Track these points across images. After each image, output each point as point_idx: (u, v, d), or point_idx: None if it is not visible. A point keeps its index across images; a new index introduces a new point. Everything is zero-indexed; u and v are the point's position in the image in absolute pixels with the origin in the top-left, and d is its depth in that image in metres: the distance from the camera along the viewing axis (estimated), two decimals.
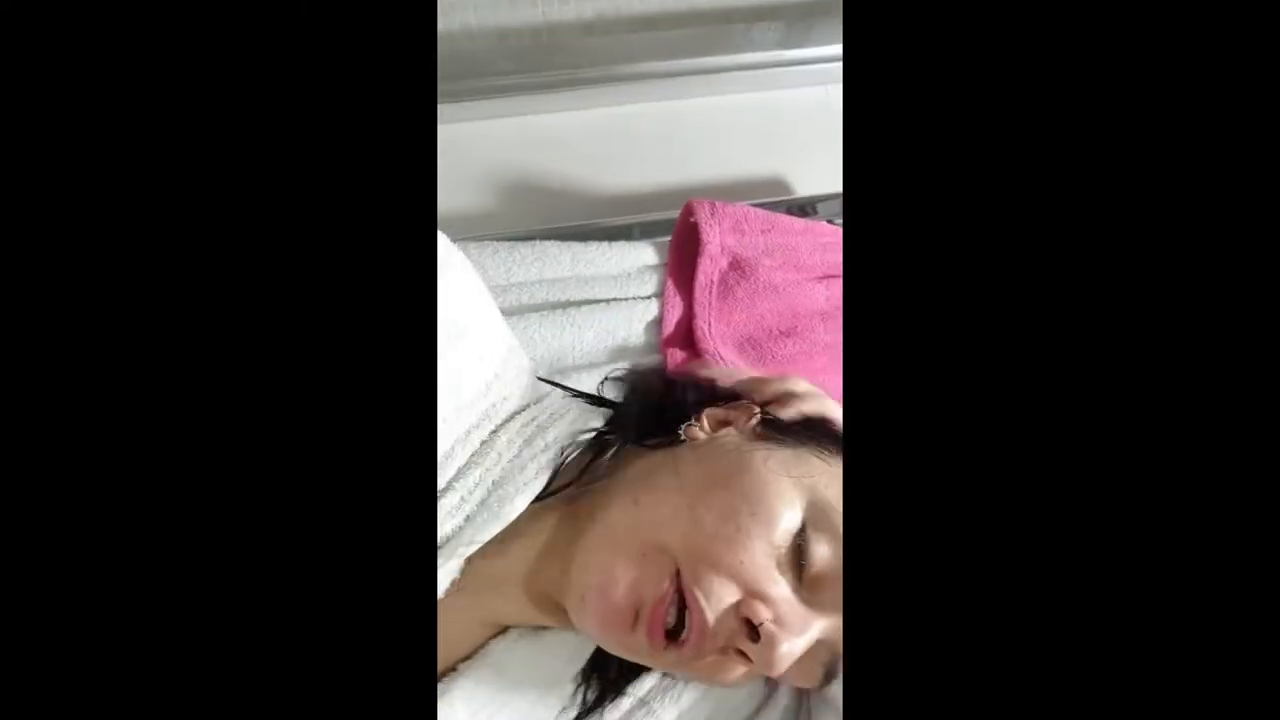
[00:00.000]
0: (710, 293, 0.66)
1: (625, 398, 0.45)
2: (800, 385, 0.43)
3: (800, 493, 0.35)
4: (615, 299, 0.67)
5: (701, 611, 0.33)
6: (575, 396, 0.43)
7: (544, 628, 0.40)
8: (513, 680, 0.39)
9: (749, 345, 0.67)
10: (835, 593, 0.34)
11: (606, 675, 0.41)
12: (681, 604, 0.33)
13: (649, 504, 0.36)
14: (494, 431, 0.38)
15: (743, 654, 0.33)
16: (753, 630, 0.32)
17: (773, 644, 0.32)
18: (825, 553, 0.34)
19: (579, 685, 0.40)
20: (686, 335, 0.67)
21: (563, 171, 0.74)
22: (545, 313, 0.64)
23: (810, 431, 0.40)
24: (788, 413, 0.41)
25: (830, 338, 0.67)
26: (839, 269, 0.69)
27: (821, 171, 0.76)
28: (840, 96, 0.77)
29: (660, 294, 0.67)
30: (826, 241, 0.69)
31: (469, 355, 0.37)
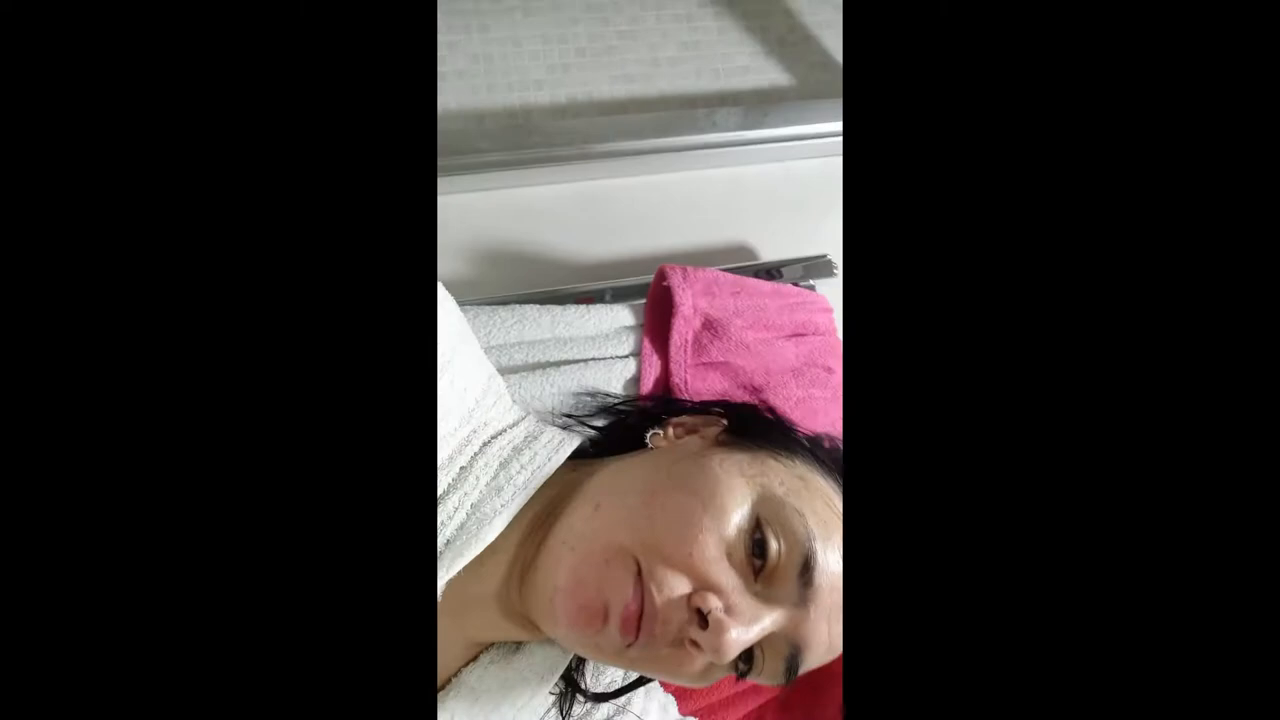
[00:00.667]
0: (685, 351, 0.69)
1: (597, 415, 0.48)
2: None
3: (753, 490, 0.37)
4: (594, 359, 0.68)
5: (653, 599, 0.34)
6: (549, 418, 0.46)
7: (517, 648, 0.41)
8: (487, 708, 0.39)
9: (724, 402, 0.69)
10: (789, 587, 0.35)
11: (580, 689, 0.42)
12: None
13: (608, 507, 0.37)
14: (474, 457, 0.39)
15: (697, 645, 0.33)
16: (703, 619, 0.33)
17: (720, 629, 0.33)
18: (775, 547, 0.35)
19: (553, 704, 0.41)
20: (665, 392, 0.68)
21: (540, 241, 0.78)
22: (525, 373, 0.66)
23: (771, 438, 0.41)
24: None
25: (801, 392, 0.70)
26: (807, 327, 0.72)
27: (782, 238, 0.81)
28: (796, 172, 0.83)
29: (637, 353, 0.69)
30: (793, 302, 0.73)
31: (451, 385, 0.39)
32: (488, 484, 0.38)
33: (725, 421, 0.43)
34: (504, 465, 0.39)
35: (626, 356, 0.69)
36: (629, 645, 0.35)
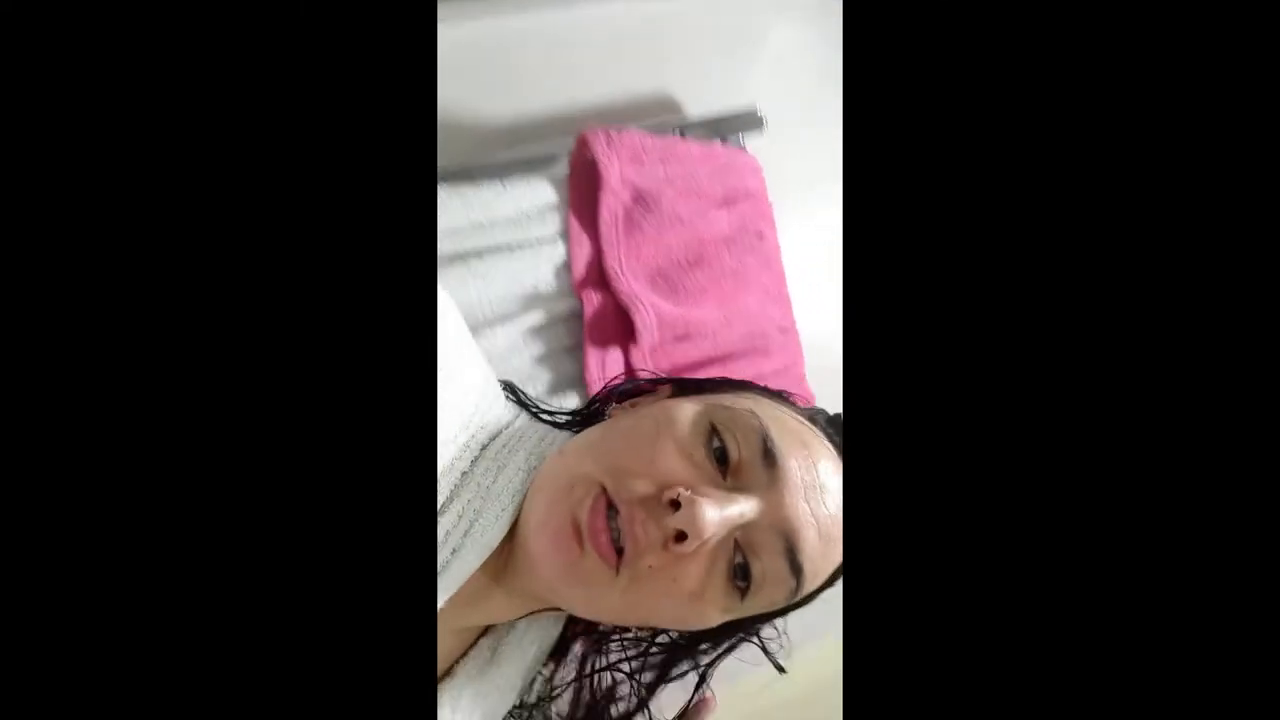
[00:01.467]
0: (616, 228, 0.64)
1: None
2: None
3: (704, 407, 0.38)
4: (518, 244, 0.63)
5: (630, 511, 0.34)
6: (538, 418, 0.45)
7: (489, 665, 0.42)
8: (488, 688, 0.41)
9: (660, 279, 0.67)
10: (754, 473, 0.36)
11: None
12: (615, 518, 0.35)
13: (572, 450, 0.38)
14: (473, 462, 0.39)
15: (679, 535, 0.34)
16: (676, 505, 0.34)
17: (693, 504, 0.33)
18: (733, 441, 0.36)
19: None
20: (599, 275, 0.65)
21: (439, 100, 0.67)
22: (445, 267, 0.60)
23: (719, 386, 0.42)
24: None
25: (735, 262, 0.69)
26: (738, 191, 0.69)
27: (707, 86, 0.74)
28: (722, 9, 0.74)
29: (565, 234, 0.64)
30: (723, 164, 0.68)
31: (451, 394, 0.38)
32: (487, 489, 0.38)
33: (672, 385, 0.43)
34: (501, 470, 0.39)
35: (553, 239, 0.64)
36: (616, 569, 0.35)
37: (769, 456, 0.36)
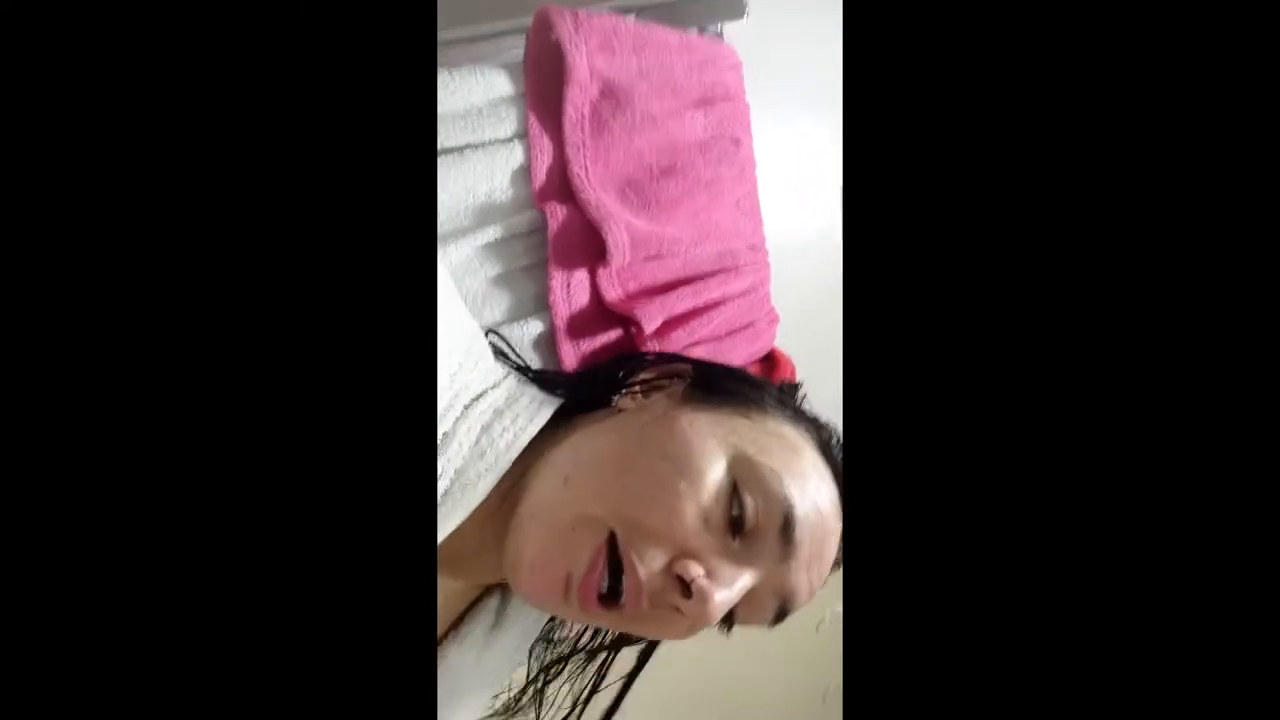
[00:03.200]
0: (583, 129, 0.56)
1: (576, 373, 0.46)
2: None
3: (726, 451, 0.36)
4: (469, 145, 0.54)
5: (636, 574, 0.34)
6: (531, 379, 0.43)
7: (494, 628, 0.42)
8: (494, 651, 0.42)
9: (630, 189, 0.60)
10: (768, 544, 0.35)
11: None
12: (617, 568, 0.34)
13: (578, 479, 0.37)
14: (455, 422, 0.37)
15: (680, 612, 0.34)
16: (685, 587, 0.34)
17: (704, 598, 0.33)
18: (753, 507, 0.35)
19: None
20: (562, 184, 0.57)
21: None
22: None
23: (735, 391, 0.40)
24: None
25: (710, 172, 0.62)
26: (716, 90, 0.62)
27: None
28: None
29: (523, 134, 0.55)
30: (701, 59, 0.60)
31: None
32: (470, 449, 0.36)
33: (689, 374, 0.41)
34: (486, 429, 0.37)
35: (509, 140, 0.55)
36: (600, 614, 0.35)
37: (787, 533, 0.35)
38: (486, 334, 0.46)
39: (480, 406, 0.38)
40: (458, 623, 0.42)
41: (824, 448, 0.40)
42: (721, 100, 0.62)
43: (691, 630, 0.36)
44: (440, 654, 0.40)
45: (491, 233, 0.55)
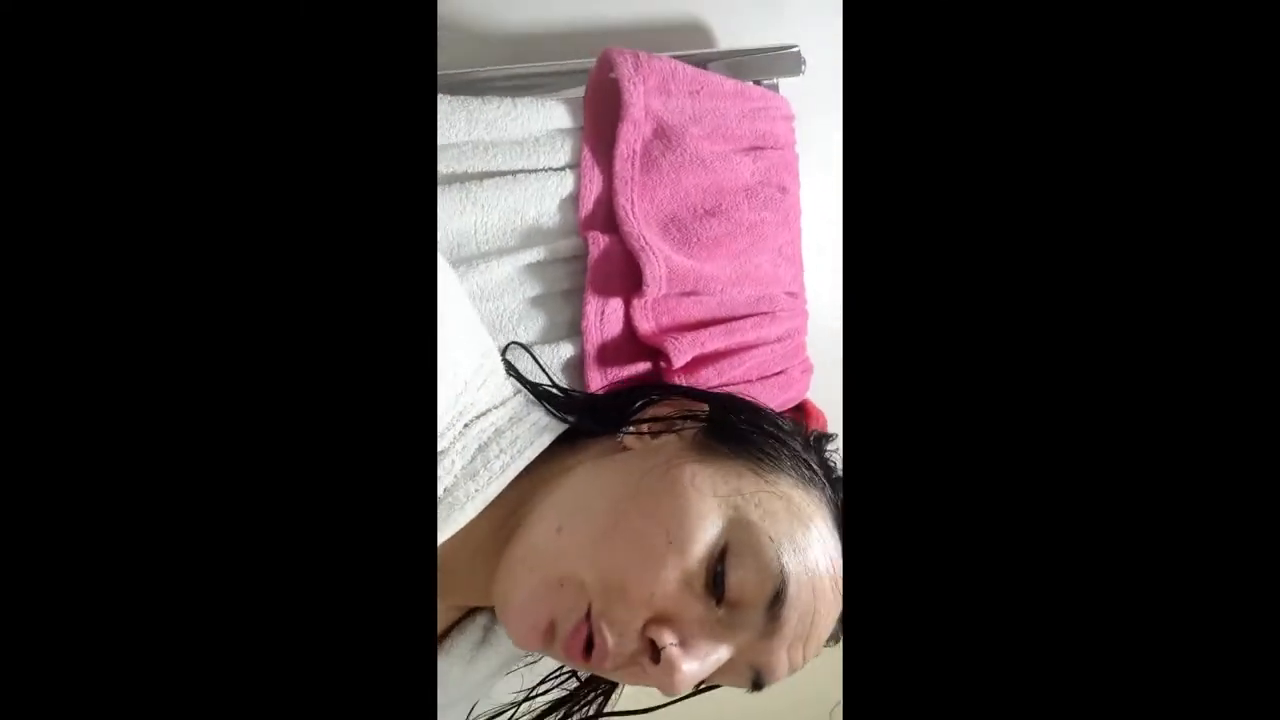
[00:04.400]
0: (633, 165, 0.59)
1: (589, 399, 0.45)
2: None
3: (725, 513, 0.35)
4: (523, 170, 0.57)
5: (604, 639, 0.33)
6: (539, 398, 0.42)
7: (481, 643, 0.42)
8: (481, 668, 0.42)
9: (673, 226, 0.61)
10: (755, 616, 0.34)
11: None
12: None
13: (570, 530, 0.35)
14: (453, 441, 0.37)
15: (647, 673, 0.34)
16: (656, 651, 0.33)
17: (671, 669, 0.32)
18: (743, 577, 0.34)
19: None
20: (607, 215, 0.59)
21: (446, 3, 0.59)
22: (442, 188, 0.53)
23: (752, 440, 0.38)
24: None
25: (754, 216, 0.64)
26: (767, 139, 0.63)
27: (742, 18, 0.67)
28: None
29: (575, 165, 0.58)
30: (756, 107, 0.62)
31: (440, 366, 0.36)
32: (463, 468, 0.36)
33: (704, 417, 0.40)
34: (482, 449, 0.37)
35: (562, 169, 0.58)
36: (581, 663, 0.35)
37: (776, 608, 0.34)
38: (508, 346, 0.45)
39: (481, 425, 0.37)
40: (444, 636, 0.42)
41: (831, 491, 0.38)
42: (771, 149, 0.64)
43: (659, 683, 0.35)
44: None
45: (534, 254, 0.58)
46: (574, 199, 0.58)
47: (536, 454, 0.37)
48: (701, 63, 0.63)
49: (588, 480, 0.37)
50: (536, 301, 0.59)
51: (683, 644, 0.33)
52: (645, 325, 0.61)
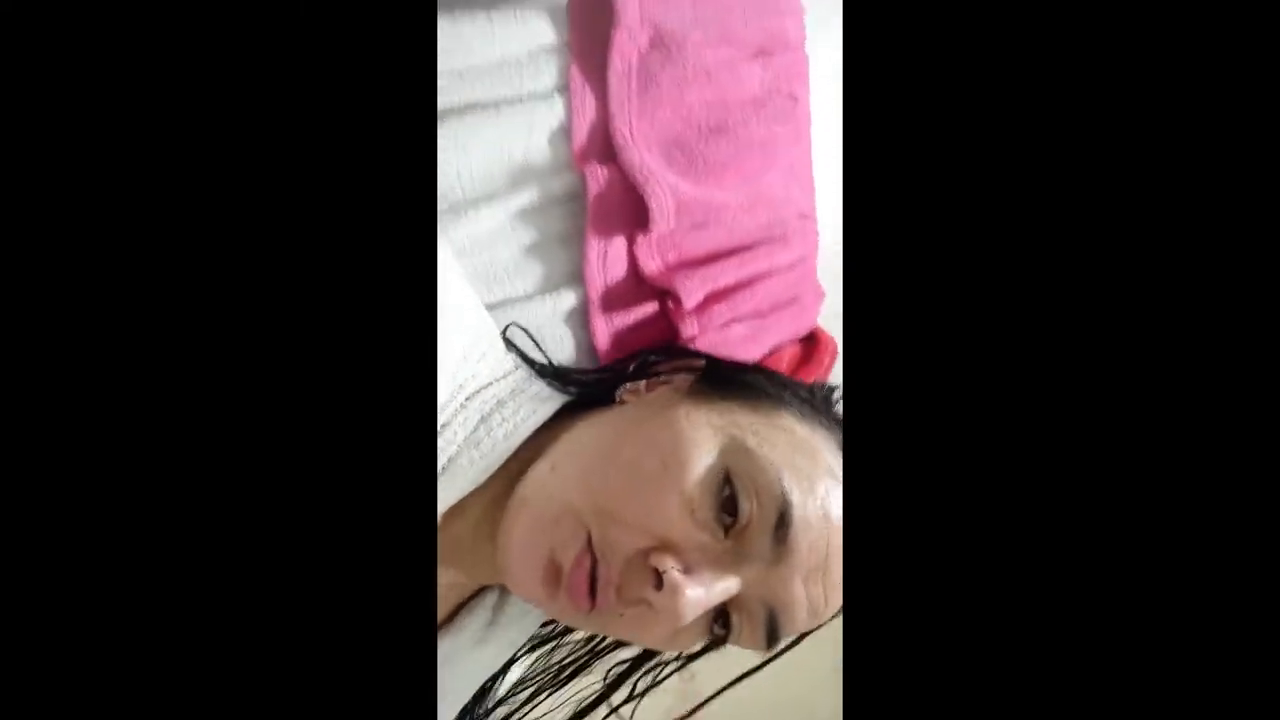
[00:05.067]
0: (629, 82, 0.51)
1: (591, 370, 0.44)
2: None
3: (720, 441, 0.34)
4: (505, 100, 0.49)
5: (606, 566, 0.32)
6: (541, 373, 0.42)
7: (491, 623, 0.41)
8: (491, 650, 0.41)
9: (677, 150, 0.55)
10: (762, 544, 0.33)
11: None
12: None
13: (563, 466, 0.35)
14: (454, 414, 0.36)
15: (650, 604, 0.32)
16: (659, 579, 0.32)
17: (675, 590, 0.31)
18: (746, 502, 0.33)
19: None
20: (604, 143, 0.52)
21: None
22: None
23: (748, 384, 0.38)
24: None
25: (764, 131, 0.57)
26: (776, 40, 0.56)
27: None
28: None
29: (564, 87, 0.50)
30: (762, 3, 0.54)
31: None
32: (466, 438, 0.36)
33: (700, 368, 0.40)
34: (484, 420, 0.37)
35: (549, 94, 0.50)
36: (587, 611, 0.33)
37: (781, 531, 0.32)
38: (508, 327, 0.44)
39: (483, 397, 0.37)
40: (453, 615, 0.41)
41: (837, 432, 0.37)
42: (781, 51, 0.57)
43: (676, 637, 0.34)
44: None
45: (526, 197, 0.51)
46: (564, 128, 0.51)
47: (540, 422, 0.37)
48: None
49: (582, 429, 0.37)
50: (532, 250, 0.54)
51: (687, 571, 0.32)
52: (651, 265, 0.56)
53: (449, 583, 0.40)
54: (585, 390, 0.41)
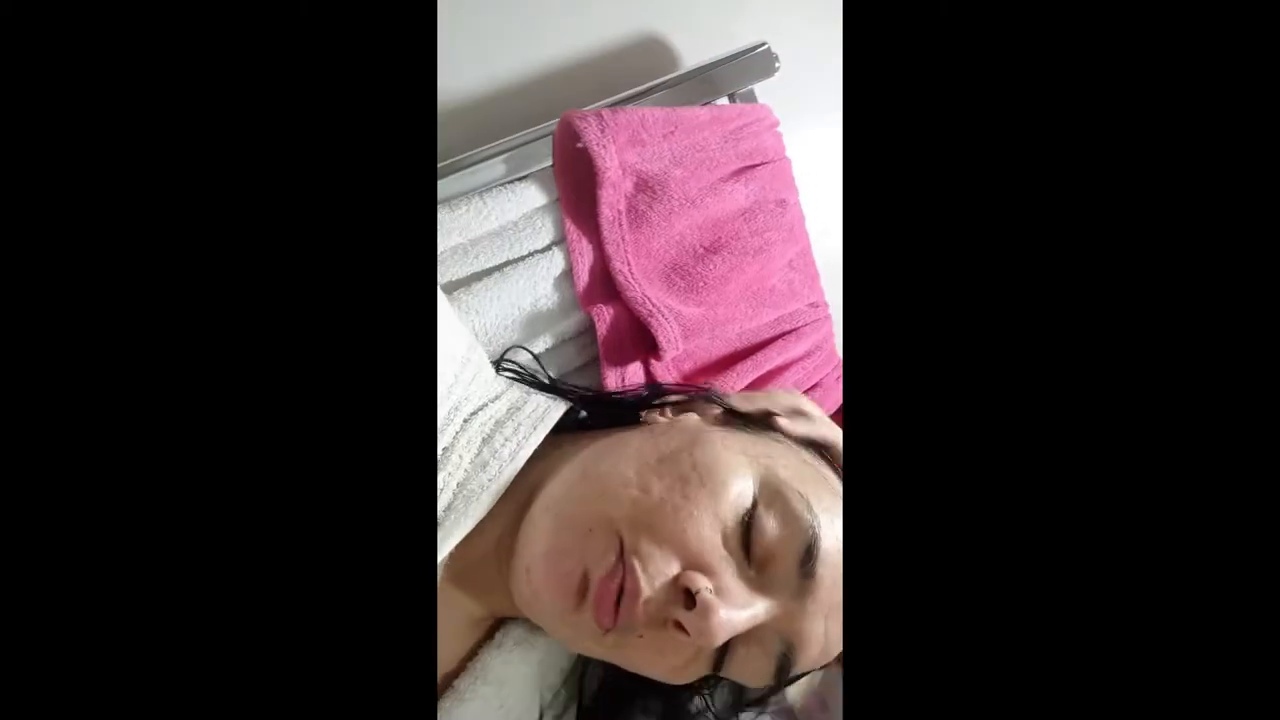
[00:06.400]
0: (620, 225, 0.55)
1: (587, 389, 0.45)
2: (807, 405, 0.42)
3: (754, 470, 0.34)
4: (509, 261, 0.54)
5: (636, 578, 0.31)
6: (534, 388, 0.43)
7: (534, 629, 0.40)
8: (514, 690, 0.39)
9: (676, 275, 0.58)
10: (785, 574, 0.32)
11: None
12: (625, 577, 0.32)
13: (596, 477, 0.35)
14: (455, 436, 0.36)
15: (681, 627, 0.31)
16: (690, 599, 0.31)
17: (708, 611, 0.30)
18: (774, 531, 0.33)
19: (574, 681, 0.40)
20: (606, 282, 0.56)
21: None
22: None
23: (772, 426, 0.38)
24: (792, 427, 0.40)
25: (757, 240, 0.60)
26: (755, 155, 0.59)
27: (698, 21, 0.61)
28: None
29: (561, 239, 0.55)
30: (736, 128, 0.58)
31: None
32: (472, 461, 0.36)
33: (723, 403, 0.40)
34: (487, 440, 0.37)
35: (548, 248, 0.54)
36: (606, 630, 0.32)
37: (807, 566, 0.32)
38: (506, 351, 0.46)
39: (480, 419, 0.37)
40: (472, 655, 0.39)
41: None
42: (761, 165, 0.59)
43: (687, 666, 0.33)
44: (454, 692, 0.38)
45: (542, 343, 0.55)
46: (568, 274, 0.55)
47: (543, 435, 0.37)
48: (674, 87, 0.58)
49: (609, 444, 0.37)
50: None
51: (718, 591, 0.31)
52: (668, 380, 0.59)
53: (466, 616, 0.39)
54: (594, 409, 0.41)
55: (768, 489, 0.33)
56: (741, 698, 0.40)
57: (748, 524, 0.32)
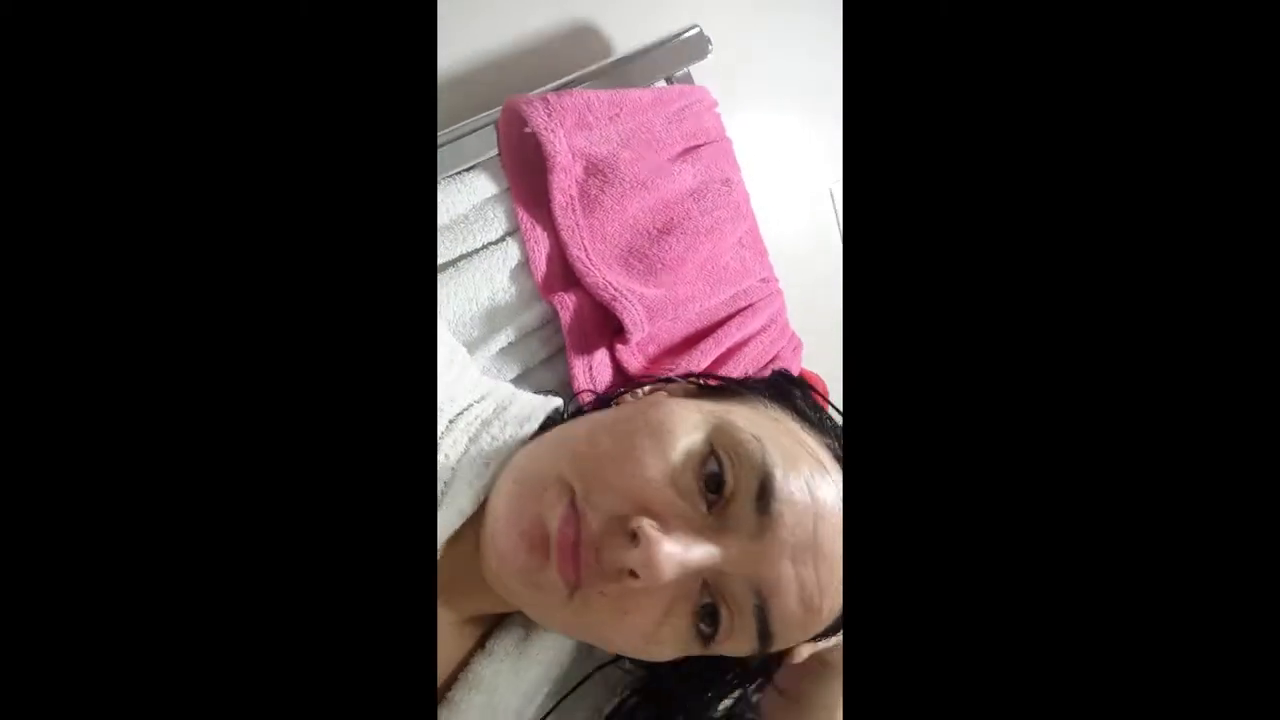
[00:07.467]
0: (574, 210, 0.54)
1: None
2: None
3: (706, 419, 0.34)
4: (463, 255, 0.52)
5: (588, 523, 0.31)
6: (520, 387, 0.43)
7: (526, 636, 0.39)
8: (505, 698, 0.38)
9: (634, 258, 0.58)
10: (743, 514, 0.32)
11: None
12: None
13: (552, 441, 0.35)
14: (440, 436, 0.37)
15: (633, 573, 0.31)
16: (635, 538, 0.30)
17: (649, 543, 0.30)
18: (728, 471, 0.32)
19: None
20: (564, 269, 0.55)
21: None
22: None
23: (745, 391, 0.38)
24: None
25: (707, 219, 0.60)
26: (698, 136, 0.60)
27: (629, 5, 0.62)
28: None
29: (515, 229, 0.53)
30: (678, 109, 0.58)
31: None
32: (458, 460, 0.36)
33: (695, 381, 0.40)
34: (473, 440, 0.37)
35: (502, 239, 0.53)
36: (571, 590, 0.32)
37: (763, 501, 0.31)
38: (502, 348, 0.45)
39: (466, 419, 0.37)
40: (470, 657, 0.38)
41: (840, 459, 0.36)
42: (705, 145, 0.60)
43: (659, 630, 0.32)
44: (449, 703, 0.37)
45: (504, 337, 0.54)
46: (525, 265, 0.54)
47: (528, 434, 0.37)
48: (611, 73, 0.58)
49: (574, 422, 0.37)
50: (520, 380, 0.56)
51: (665, 531, 0.31)
52: (634, 364, 0.59)
53: (453, 619, 0.38)
54: (578, 406, 0.42)
55: (721, 434, 0.33)
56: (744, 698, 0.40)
57: (701, 469, 0.32)
